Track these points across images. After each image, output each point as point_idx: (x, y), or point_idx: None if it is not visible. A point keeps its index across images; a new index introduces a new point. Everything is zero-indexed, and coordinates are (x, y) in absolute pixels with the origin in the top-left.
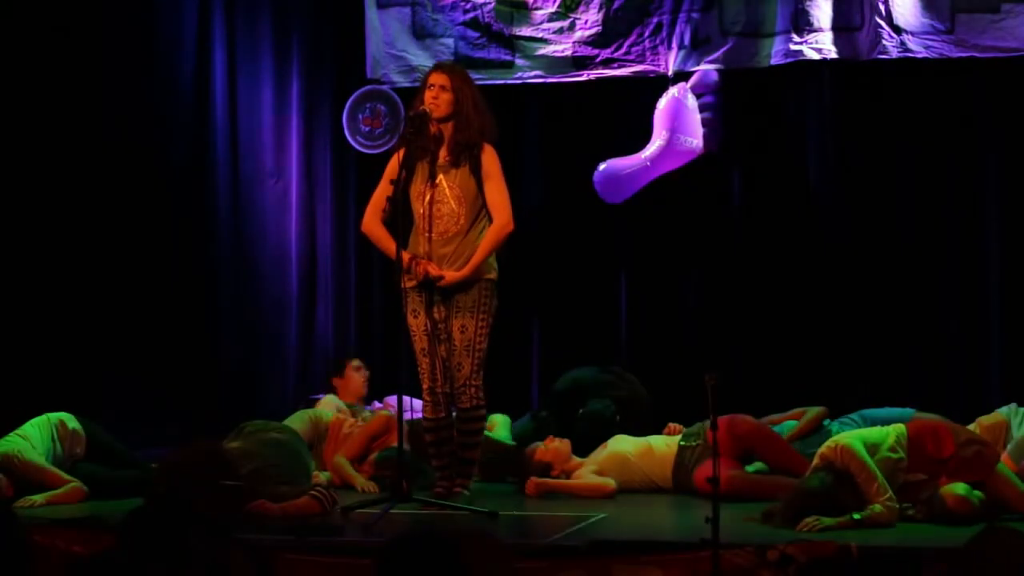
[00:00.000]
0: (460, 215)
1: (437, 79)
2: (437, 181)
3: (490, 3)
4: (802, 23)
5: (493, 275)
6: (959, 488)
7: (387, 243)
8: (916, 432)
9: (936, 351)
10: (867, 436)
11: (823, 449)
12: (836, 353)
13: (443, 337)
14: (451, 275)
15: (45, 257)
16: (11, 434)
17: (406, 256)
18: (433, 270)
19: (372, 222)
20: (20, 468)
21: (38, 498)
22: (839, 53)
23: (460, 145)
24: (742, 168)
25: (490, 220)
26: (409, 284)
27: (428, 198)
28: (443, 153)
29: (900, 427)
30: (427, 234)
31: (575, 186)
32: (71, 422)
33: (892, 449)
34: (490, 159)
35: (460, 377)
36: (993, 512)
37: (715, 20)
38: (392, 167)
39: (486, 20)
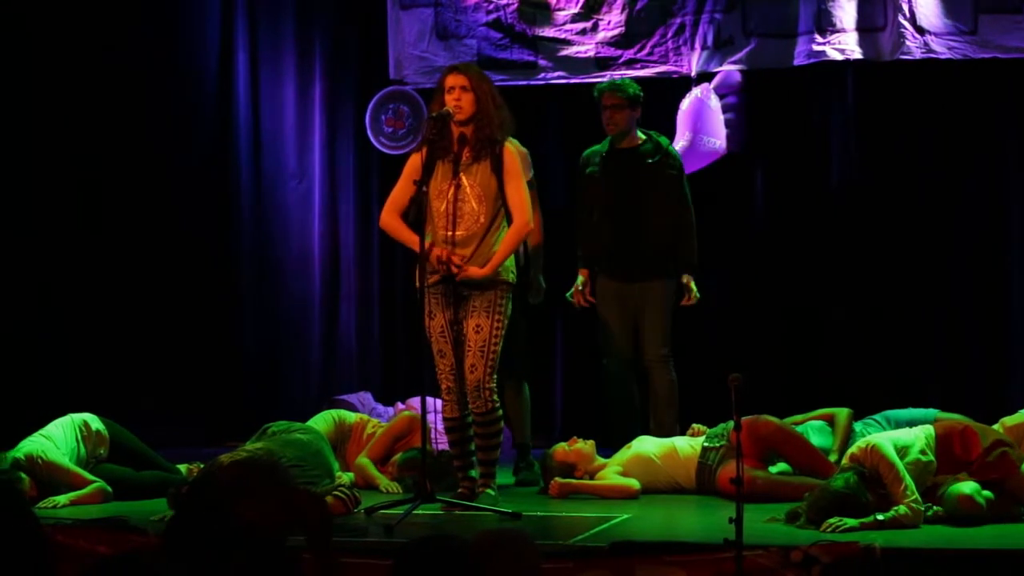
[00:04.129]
0: (480, 214)
1: (456, 80)
2: (459, 180)
3: (513, 4)
4: (825, 23)
5: (511, 278)
6: (967, 487)
7: (407, 235)
8: (944, 434)
9: (959, 351)
10: (896, 438)
11: (854, 449)
12: (859, 353)
13: (461, 339)
14: (473, 270)
15: (69, 259)
16: (35, 435)
17: (429, 247)
18: (456, 259)
19: (390, 217)
20: (44, 468)
21: (62, 499)
22: (862, 54)
23: (482, 142)
24: (765, 169)
25: (509, 220)
26: (432, 280)
27: (449, 196)
28: (465, 152)
29: (928, 429)
30: (447, 232)
31: None
32: (94, 423)
33: (922, 452)
34: (511, 158)
35: (473, 380)
36: (1002, 512)
37: (738, 21)
38: (413, 165)
39: (509, 21)
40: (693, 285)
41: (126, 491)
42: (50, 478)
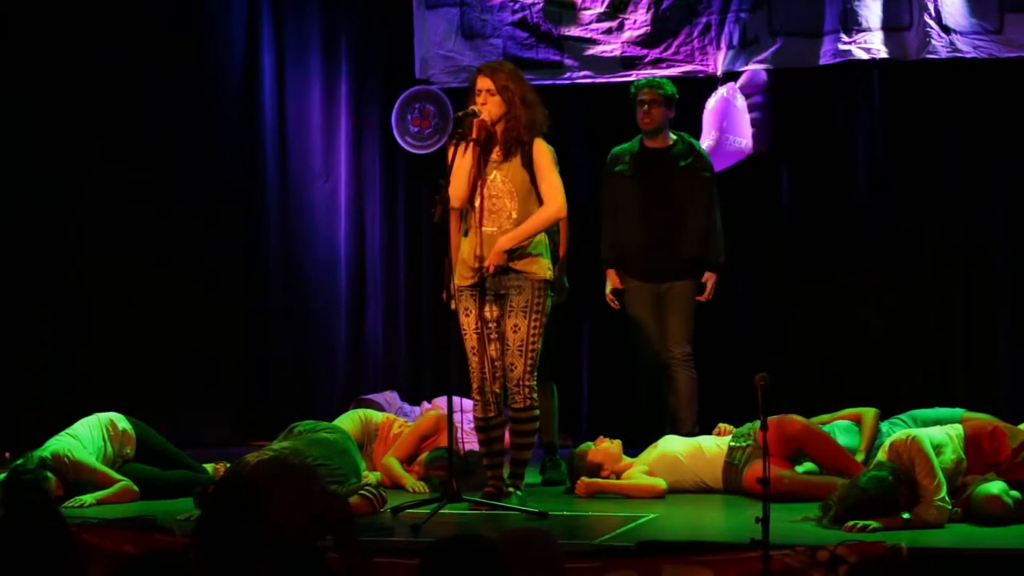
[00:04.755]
0: (512, 210)
1: (483, 83)
2: (490, 177)
3: (538, 3)
4: (851, 23)
5: (548, 275)
6: (995, 487)
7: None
8: (973, 434)
9: (984, 350)
10: (932, 435)
11: (894, 439)
12: (884, 353)
13: (494, 337)
14: (498, 244)
15: (92, 259)
16: (61, 433)
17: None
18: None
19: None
20: (70, 467)
21: (88, 498)
22: (888, 53)
23: (511, 141)
24: (791, 168)
25: None
26: (465, 282)
27: (481, 193)
28: (495, 150)
29: (959, 428)
30: (479, 228)
31: None
32: (121, 422)
33: (955, 451)
34: (540, 152)
35: (513, 378)
36: None
37: (764, 20)
38: (456, 158)
39: (534, 20)
40: (711, 284)
41: (153, 490)
42: (77, 477)
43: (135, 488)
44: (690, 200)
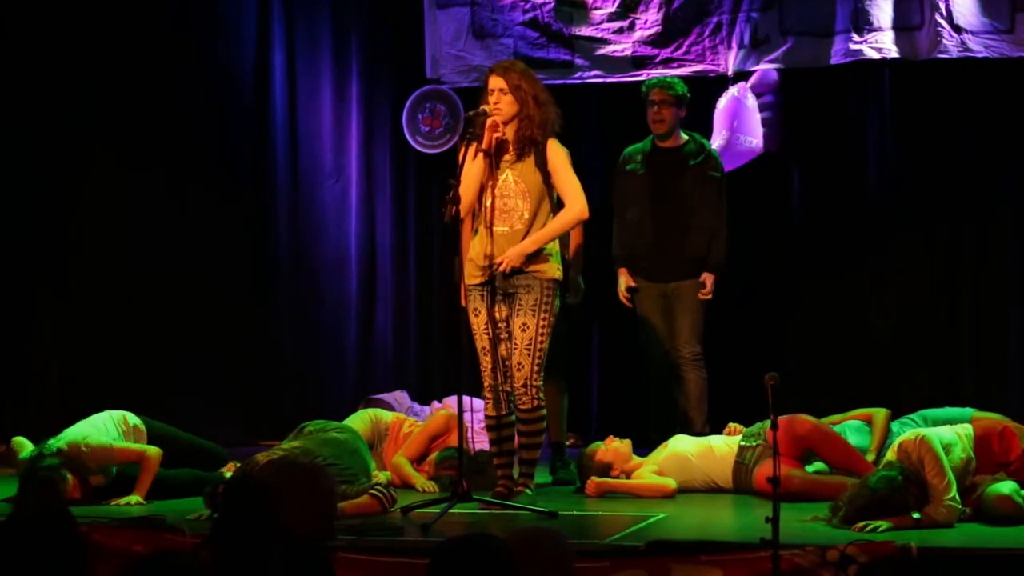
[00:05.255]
0: (524, 211)
1: (495, 83)
2: (503, 177)
3: (549, 3)
4: (862, 22)
5: (558, 275)
6: (1005, 487)
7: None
8: (983, 433)
9: (995, 350)
10: (941, 435)
11: (903, 441)
12: (894, 353)
13: (504, 336)
14: (512, 250)
15: (102, 256)
16: (75, 425)
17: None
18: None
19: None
20: (90, 454)
21: (132, 498)
22: (899, 52)
23: (524, 141)
24: (802, 168)
25: (555, 215)
26: (474, 281)
27: (493, 193)
28: (509, 149)
29: (968, 428)
30: (490, 228)
31: None
32: (132, 419)
33: (964, 450)
34: (554, 152)
35: (520, 377)
36: None
37: (775, 19)
38: (467, 161)
39: (545, 20)
40: (710, 285)
41: (161, 490)
42: (98, 462)
43: (156, 449)
44: (699, 199)
